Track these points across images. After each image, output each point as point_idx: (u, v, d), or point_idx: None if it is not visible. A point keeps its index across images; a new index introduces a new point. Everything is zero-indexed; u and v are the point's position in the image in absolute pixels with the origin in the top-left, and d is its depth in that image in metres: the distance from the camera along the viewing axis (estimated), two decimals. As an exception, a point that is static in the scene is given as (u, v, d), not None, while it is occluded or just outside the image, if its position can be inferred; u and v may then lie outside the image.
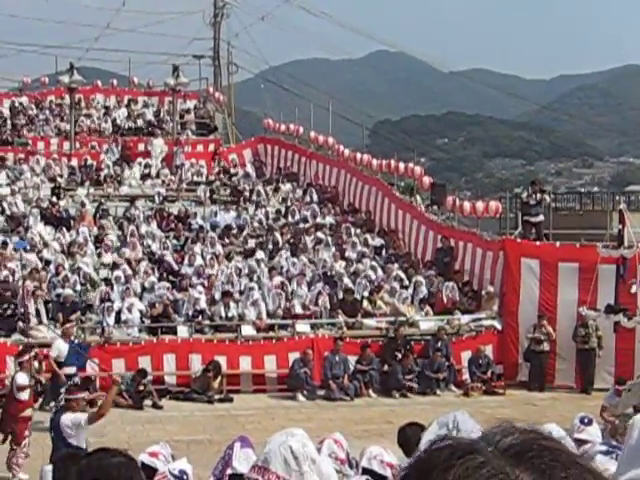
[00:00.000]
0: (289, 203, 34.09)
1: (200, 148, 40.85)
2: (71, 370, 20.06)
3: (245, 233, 31.10)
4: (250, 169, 38.77)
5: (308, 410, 22.04)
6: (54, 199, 32.36)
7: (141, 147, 39.62)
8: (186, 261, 27.94)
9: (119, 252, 28.44)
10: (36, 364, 19.29)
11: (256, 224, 32.01)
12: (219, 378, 23.24)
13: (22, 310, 24.01)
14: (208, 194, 34.63)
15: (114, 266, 27.19)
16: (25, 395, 15.81)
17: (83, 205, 31.84)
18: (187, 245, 29.68)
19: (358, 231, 31.13)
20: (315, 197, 34.76)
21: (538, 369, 24.48)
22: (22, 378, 15.93)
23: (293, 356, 23.88)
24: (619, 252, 21.91)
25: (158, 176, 36.93)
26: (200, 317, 25.03)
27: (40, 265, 26.76)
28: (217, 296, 25.87)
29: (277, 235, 30.23)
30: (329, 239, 30.01)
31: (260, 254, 28.68)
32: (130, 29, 60.55)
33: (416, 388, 23.89)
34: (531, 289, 25.09)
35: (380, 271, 27.85)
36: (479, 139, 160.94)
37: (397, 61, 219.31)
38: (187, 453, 11.62)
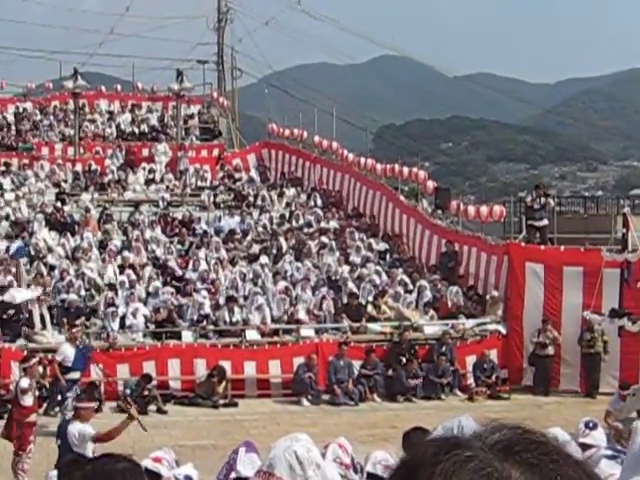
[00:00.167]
0: (293, 208, 34.09)
1: (204, 153, 40.86)
2: (75, 375, 20.07)
3: (249, 238, 31.10)
4: (254, 174, 38.79)
5: (313, 415, 22.03)
6: (58, 204, 32.39)
7: (145, 152, 39.64)
8: (190, 266, 27.95)
9: (123, 257, 28.45)
10: (41, 369, 19.30)
11: (260, 229, 32.01)
12: (224, 383, 23.23)
13: (27, 315, 24.03)
14: (212, 199, 34.65)
15: (119, 271, 27.21)
16: (29, 400, 15.81)
17: (87, 210, 31.85)
18: (191, 250, 29.68)
19: (362, 235, 31.13)
20: (319, 202, 34.77)
21: (543, 373, 24.45)
22: (25, 382, 15.94)
23: (297, 361, 23.87)
24: (623, 256, 21.91)
25: (162, 181, 36.97)
26: (204, 322, 25.04)
27: (45, 270, 26.79)
28: (221, 301, 25.88)
29: (281, 240, 30.23)
30: (333, 244, 30.00)
31: (264, 259, 28.69)
32: (134, 34, 60.56)
33: (420, 393, 23.87)
34: (536, 293, 25.05)
35: (384, 275, 27.85)
36: (483, 143, 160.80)
37: (401, 66, 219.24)
38: (192, 458, 11.60)
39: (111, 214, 32.55)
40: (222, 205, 34.49)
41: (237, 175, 38.25)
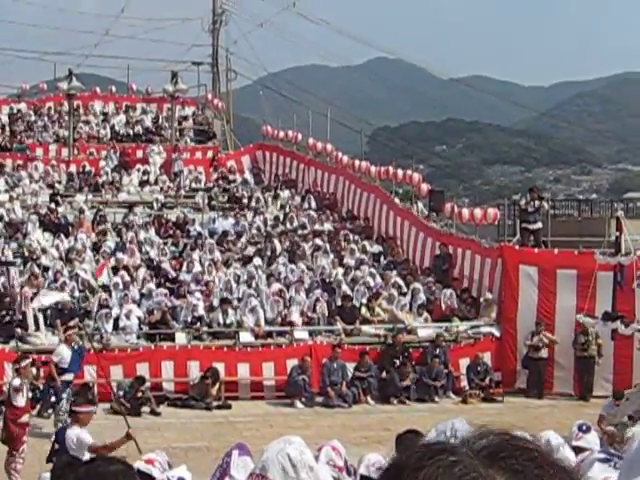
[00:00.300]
0: (287, 210, 34.09)
1: (198, 155, 40.88)
2: (70, 377, 20.06)
3: (243, 240, 31.09)
4: (248, 176, 38.80)
5: (306, 417, 22.03)
6: (52, 205, 32.36)
7: (139, 154, 39.64)
8: (184, 268, 27.93)
9: (117, 258, 28.42)
10: (34, 371, 19.27)
11: (254, 231, 32.01)
12: (217, 385, 23.21)
13: (20, 317, 23.99)
14: (206, 201, 34.64)
15: (112, 272, 27.18)
16: (22, 401, 15.80)
17: (81, 212, 31.82)
18: (185, 252, 29.66)
19: (356, 238, 31.15)
20: (313, 204, 34.78)
21: (536, 376, 24.46)
22: (17, 382, 15.94)
23: (291, 363, 23.85)
24: (616, 259, 21.91)
25: (156, 183, 36.96)
26: (198, 324, 25.02)
27: (38, 271, 26.75)
28: (215, 303, 25.86)
29: (275, 242, 30.23)
30: (327, 246, 30.00)
31: (258, 261, 28.68)
32: (129, 36, 60.55)
33: (414, 395, 23.88)
34: (529, 296, 25.07)
35: (378, 278, 27.85)
36: (478, 146, 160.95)
37: (396, 68, 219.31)
38: (185, 460, 11.60)
39: (105, 215, 32.52)
40: (216, 207, 34.48)
41: (231, 177, 38.24)
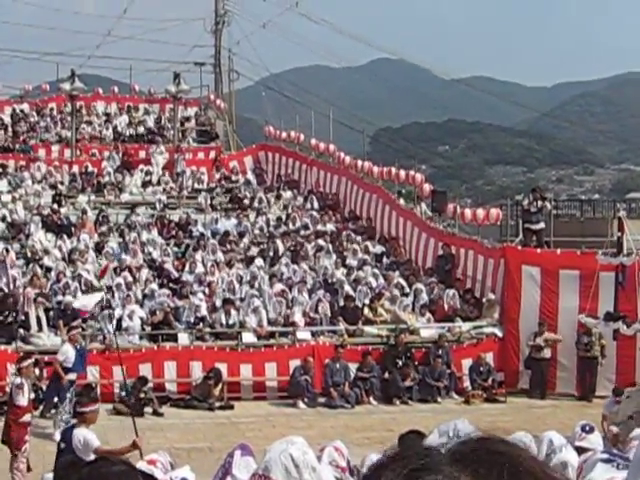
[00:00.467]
0: (290, 210, 34.10)
1: (201, 155, 40.89)
2: (73, 376, 20.08)
3: (246, 240, 31.09)
4: (251, 176, 38.82)
5: (309, 418, 22.03)
6: (55, 206, 32.39)
7: (142, 154, 39.66)
8: (187, 268, 27.94)
9: (119, 259, 28.43)
10: (37, 371, 19.30)
11: (257, 231, 32.02)
12: (220, 385, 23.23)
13: (23, 317, 24.01)
14: (209, 201, 34.65)
15: (115, 273, 27.19)
16: (24, 401, 15.83)
17: (84, 212, 31.83)
18: (188, 252, 29.68)
19: (359, 238, 31.15)
20: (316, 204, 34.78)
21: (539, 376, 24.45)
22: (18, 380, 15.98)
23: (294, 363, 23.86)
24: (618, 259, 21.88)
25: (159, 183, 36.97)
26: (201, 324, 25.03)
27: (41, 272, 26.77)
28: (218, 303, 25.87)
29: (278, 242, 30.23)
30: (330, 246, 30.00)
31: (260, 261, 28.69)
32: (131, 36, 60.64)
33: (417, 395, 23.88)
34: (532, 296, 25.07)
35: (381, 278, 27.85)
36: (480, 146, 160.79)
37: (398, 68, 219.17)
38: (188, 461, 11.62)
39: (108, 216, 32.54)
40: (219, 207, 34.50)
41: (234, 177, 38.26)
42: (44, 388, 20.81)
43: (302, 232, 31.88)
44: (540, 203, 26.70)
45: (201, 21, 51.56)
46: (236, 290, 26.73)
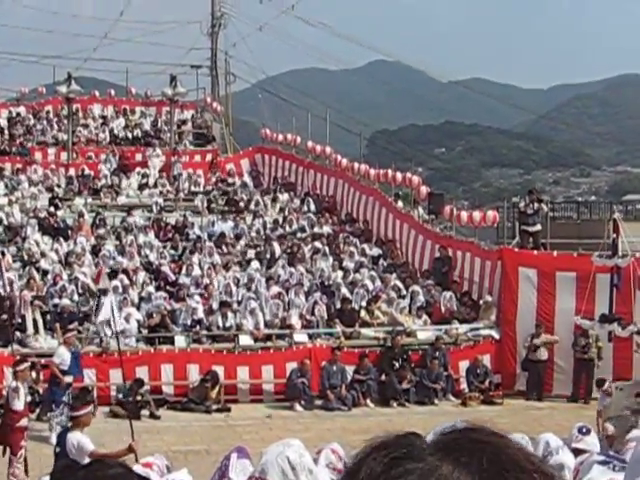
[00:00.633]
0: (287, 213, 34.10)
1: (197, 158, 40.89)
2: (69, 379, 20.06)
3: (243, 243, 31.09)
4: (247, 179, 38.82)
5: (306, 420, 22.02)
6: (52, 209, 32.37)
7: (139, 157, 39.66)
8: (184, 271, 27.92)
9: (116, 262, 28.40)
10: (34, 374, 19.25)
11: (254, 234, 32.02)
12: (217, 388, 23.21)
13: (19, 320, 23.98)
14: (205, 204, 34.63)
15: (111, 276, 27.14)
16: (20, 405, 15.79)
17: (81, 215, 31.82)
18: (185, 255, 29.67)
19: (356, 241, 31.14)
20: (313, 207, 34.78)
21: (536, 378, 24.47)
22: (14, 383, 15.94)
23: (291, 366, 23.85)
24: (613, 261, 21.89)
25: (156, 186, 36.95)
26: (198, 327, 25.01)
27: (38, 275, 26.75)
28: (215, 306, 25.85)
29: (275, 245, 30.22)
30: (327, 249, 30.00)
31: (257, 264, 28.69)
32: (128, 39, 60.55)
33: (414, 398, 23.87)
34: (529, 298, 25.08)
35: (378, 281, 27.85)
36: (477, 148, 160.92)
37: (395, 71, 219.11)
38: (185, 463, 11.61)
39: (104, 219, 32.52)
40: (215, 210, 34.49)
41: (230, 180, 38.25)
42: (41, 391, 20.77)
43: (299, 234, 31.89)
44: (537, 205, 26.74)
45: (198, 24, 51.60)
46: (233, 293, 26.72)
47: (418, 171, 46.37)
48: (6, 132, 41.13)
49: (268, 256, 29.72)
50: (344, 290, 26.87)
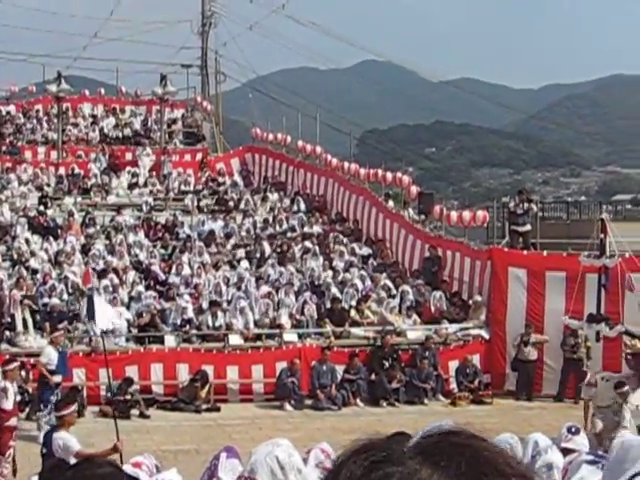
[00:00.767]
0: (277, 212, 34.07)
1: (187, 157, 40.84)
2: (58, 378, 20.02)
3: (233, 242, 31.07)
4: (238, 178, 38.78)
5: (295, 420, 22.01)
6: (41, 208, 32.31)
7: (129, 156, 39.62)
8: (173, 270, 27.89)
9: (106, 261, 28.35)
10: (23, 374, 19.21)
11: (244, 233, 32.00)
12: (206, 387, 23.19)
13: (9, 319, 23.94)
14: (195, 203, 34.60)
15: (101, 275, 27.10)
16: (8, 404, 15.74)
17: (70, 214, 31.74)
18: (174, 254, 29.63)
19: (346, 240, 31.13)
20: (303, 206, 34.77)
21: (525, 378, 24.49)
22: (2, 383, 15.88)
23: (280, 365, 23.84)
24: (601, 261, 21.90)
25: (145, 185, 36.91)
26: (187, 326, 24.98)
27: (27, 274, 26.68)
28: (204, 305, 25.84)
29: (265, 244, 30.21)
30: (317, 248, 29.99)
31: (247, 263, 28.67)
32: (118, 38, 60.53)
33: (403, 397, 23.88)
34: (518, 298, 25.11)
35: (368, 280, 27.84)
36: (467, 148, 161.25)
37: (385, 70, 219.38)
38: (174, 463, 11.59)
39: (94, 218, 32.46)
40: (205, 209, 34.47)
41: (220, 179, 38.22)
42: (30, 391, 20.73)
43: (289, 234, 31.88)
44: (526, 205, 26.77)
45: (188, 23, 51.59)
46: (223, 292, 26.69)
47: (408, 171, 46.37)
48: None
49: (258, 255, 29.71)
50: (334, 290, 26.87)
